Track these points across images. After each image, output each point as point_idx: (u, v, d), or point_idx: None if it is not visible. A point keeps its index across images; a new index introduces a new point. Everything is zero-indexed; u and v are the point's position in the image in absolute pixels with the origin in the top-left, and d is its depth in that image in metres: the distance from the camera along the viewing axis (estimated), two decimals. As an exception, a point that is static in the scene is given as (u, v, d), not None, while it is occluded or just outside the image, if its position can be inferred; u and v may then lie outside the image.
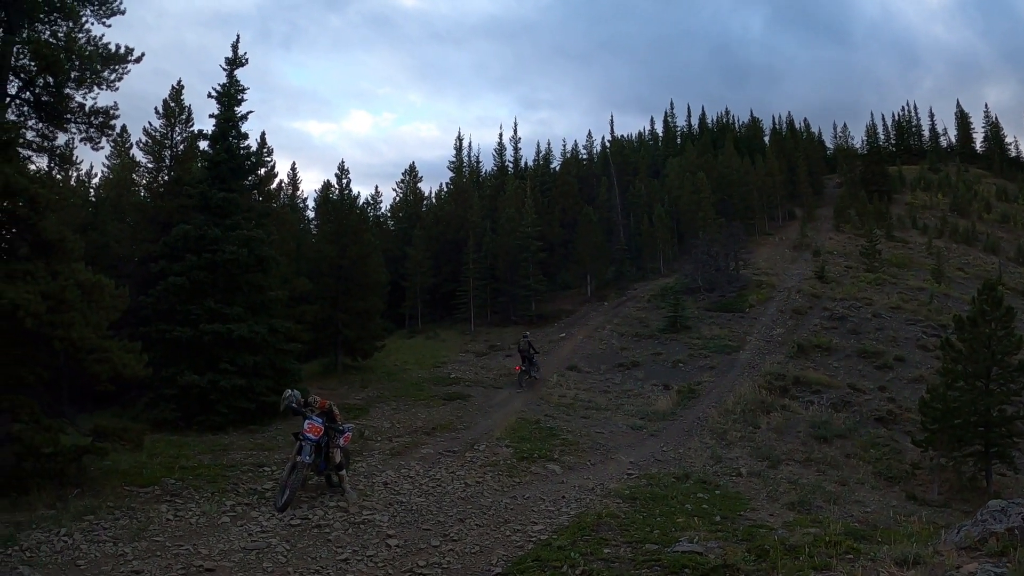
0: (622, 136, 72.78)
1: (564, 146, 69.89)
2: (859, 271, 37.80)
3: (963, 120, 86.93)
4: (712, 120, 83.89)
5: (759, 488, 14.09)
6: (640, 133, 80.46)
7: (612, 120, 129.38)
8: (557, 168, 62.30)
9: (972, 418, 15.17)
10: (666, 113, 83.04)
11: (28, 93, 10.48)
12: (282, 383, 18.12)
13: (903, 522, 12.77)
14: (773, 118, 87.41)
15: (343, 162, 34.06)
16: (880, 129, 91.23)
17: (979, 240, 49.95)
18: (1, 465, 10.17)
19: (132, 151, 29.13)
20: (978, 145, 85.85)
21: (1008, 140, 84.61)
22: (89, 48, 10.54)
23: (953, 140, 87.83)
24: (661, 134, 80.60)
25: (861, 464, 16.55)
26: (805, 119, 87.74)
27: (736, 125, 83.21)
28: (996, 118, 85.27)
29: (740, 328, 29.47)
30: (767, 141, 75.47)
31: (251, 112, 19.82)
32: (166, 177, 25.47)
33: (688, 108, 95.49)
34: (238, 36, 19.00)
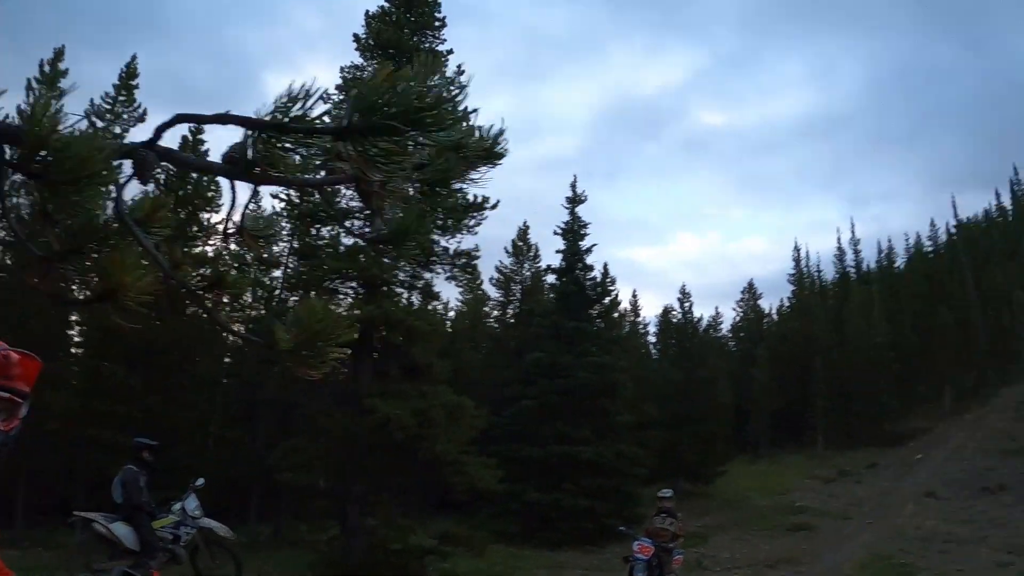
0: (967, 219, 60.96)
1: (907, 240, 60.94)
2: None
3: None
4: (1073, 177, 66.74)
5: None
6: (986, 210, 66.24)
7: (953, 202, 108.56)
8: (901, 267, 55.16)
9: None
10: (1011, 181, 67.43)
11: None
12: (624, 507, 18.26)
13: None
14: None
15: (684, 286, 34.57)
16: None
17: None
18: (352, 551, 11.57)
19: (482, 286, 32.56)
20: None
21: None
22: (457, 199, 12.38)
23: None
24: (1010, 207, 66.26)
25: None
26: None
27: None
28: None
29: None
30: None
31: (595, 245, 21.11)
32: (513, 309, 28.06)
33: (1036, 169, 77.71)
34: (575, 177, 20.58)
